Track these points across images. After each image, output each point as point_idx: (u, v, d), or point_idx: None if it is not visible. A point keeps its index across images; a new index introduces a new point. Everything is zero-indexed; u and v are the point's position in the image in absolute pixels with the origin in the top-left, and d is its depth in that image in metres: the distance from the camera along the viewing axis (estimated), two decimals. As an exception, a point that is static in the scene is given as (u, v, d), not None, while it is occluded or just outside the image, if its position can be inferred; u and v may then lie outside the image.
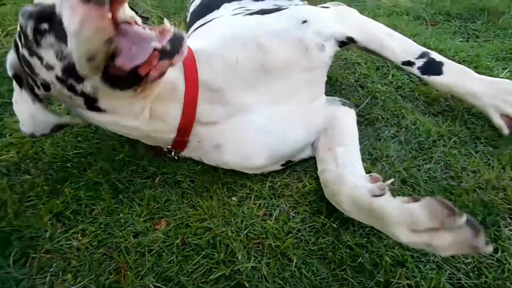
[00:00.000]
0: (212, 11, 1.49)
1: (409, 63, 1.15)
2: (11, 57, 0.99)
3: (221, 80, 1.03)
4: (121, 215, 1.03)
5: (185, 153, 1.13)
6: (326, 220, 0.99)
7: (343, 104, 1.20)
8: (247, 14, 1.19)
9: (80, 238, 0.98)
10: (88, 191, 1.09)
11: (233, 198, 1.06)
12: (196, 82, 1.00)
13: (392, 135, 1.26)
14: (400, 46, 1.16)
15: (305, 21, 1.09)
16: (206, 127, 1.05)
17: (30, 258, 0.94)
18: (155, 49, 0.77)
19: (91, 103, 0.90)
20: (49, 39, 0.80)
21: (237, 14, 1.26)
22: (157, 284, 0.87)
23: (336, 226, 0.98)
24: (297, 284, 0.87)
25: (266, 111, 1.06)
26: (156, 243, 0.95)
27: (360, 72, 1.57)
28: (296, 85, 1.08)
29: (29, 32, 0.81)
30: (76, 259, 0.93)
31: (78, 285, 0.88)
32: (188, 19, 1.77)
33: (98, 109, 0.92)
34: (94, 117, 0.96)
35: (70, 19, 0.72)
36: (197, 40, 1.17)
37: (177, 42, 0.80)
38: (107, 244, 0.96)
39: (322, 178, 1.04)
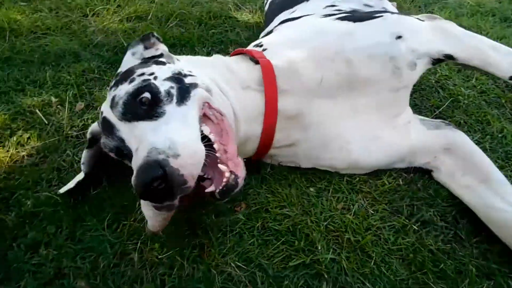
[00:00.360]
0: (301, 2, 1.46)
1: None
2: (96, 128, 1.04)
3: (301, 104, 1.01)
4: (203, 193, 1.07)
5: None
6: (407, 221, 0.98)
7: (455, 127, 1.13)
8: (337, 18, 1.13)
9: (166, 211, 1.03)
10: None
11: (311, 189, 1.08)
12: (275, 114, 1.00)
13: (476, 142, 1.21)
14: (507, 60, 1.06)
15: (399, 37, 1.03)
16: (281, 148, 1.07)
17: (121, 225, 1.01)
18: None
19: None
20: (127, 162, 0.92)
21: (327, 15, 1.20)
22: (239, 264, 0.91)
23: (416, 229, 0.97)
24: (376, 282, 0.87)
25: (346, 123, 1.04)
26: (237, 225, 0.99)
27: (441, 73, 1.52)
28: (380, 101, 1.04)
29: (113, 155, 0.95)
30: (163, 231, 0.99)
31: (165, 255, 0.94)
32: (266, 8, 1.76)
33: None
34: None
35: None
36: (282, 43, 1.13)
37: (228, 190, 0.83)
38: (191, 220, 1.01)
39: (502, 217, 0.93)
